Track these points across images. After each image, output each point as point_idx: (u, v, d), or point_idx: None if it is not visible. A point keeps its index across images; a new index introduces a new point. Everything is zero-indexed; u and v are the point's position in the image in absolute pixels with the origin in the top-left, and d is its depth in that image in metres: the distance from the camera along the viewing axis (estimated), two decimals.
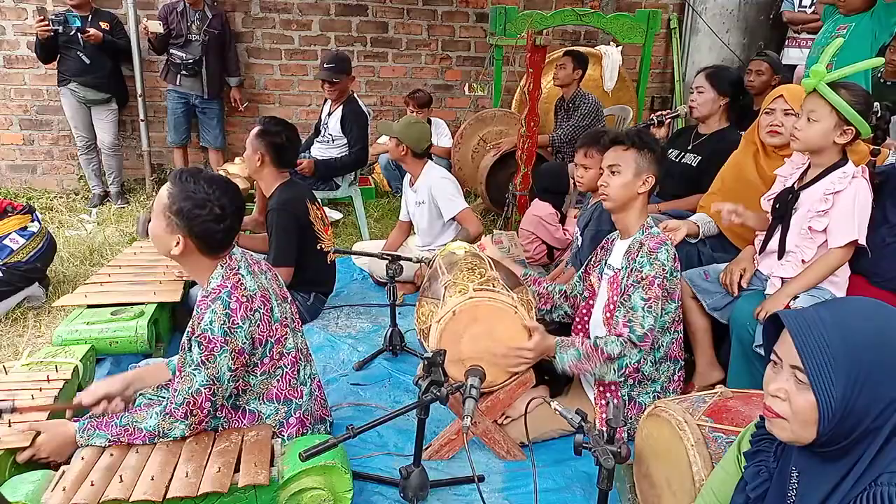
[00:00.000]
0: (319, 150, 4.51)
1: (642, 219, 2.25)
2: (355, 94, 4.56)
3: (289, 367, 2.04)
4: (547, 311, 2.56)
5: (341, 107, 4.36)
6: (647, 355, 2.21)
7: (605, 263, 2.35)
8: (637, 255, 2.16)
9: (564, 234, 3.87)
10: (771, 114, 2.60)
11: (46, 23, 4.56)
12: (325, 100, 4.57)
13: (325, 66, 4.32)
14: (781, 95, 2.58)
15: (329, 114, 4.47)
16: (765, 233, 2.44)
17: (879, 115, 2.23)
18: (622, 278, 2.20)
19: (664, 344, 2.25)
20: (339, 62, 4.32)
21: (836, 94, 2.11)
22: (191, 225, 1.82)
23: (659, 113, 3.35)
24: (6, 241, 3.24)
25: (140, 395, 2.16)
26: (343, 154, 4.39)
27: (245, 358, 1.89)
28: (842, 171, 2.20)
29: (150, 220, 1.92)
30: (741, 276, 2.41)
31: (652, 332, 2.12)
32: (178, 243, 1.85)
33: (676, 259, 2.19)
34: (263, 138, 3.04)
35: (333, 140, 4.44)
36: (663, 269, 2.11)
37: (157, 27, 4.85)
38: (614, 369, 2.14)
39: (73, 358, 2.43)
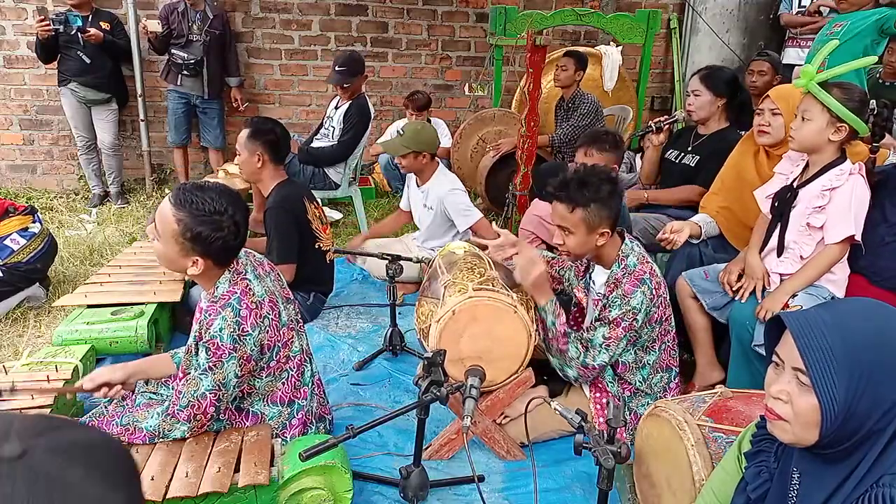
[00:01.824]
0: (319, 144, 4.51)
1: (615, 250, 2.17)
2: (366, 93, 4.55)
3: (294, 370, 2.04)
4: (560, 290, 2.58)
5: (350, 102, 4.37)
6: (632, 374, 2.23)
7: (590, 279, 2.33)
8: (612, 293, 2.11)
9: None
10: (761, 114, 2.62)
11: (47, 23, 4.55)
12: (335, 96, 4.56)
13: (336, 69, 4.22)
14: (769, 96, 2.61)
15: (336, 107, 4.49)
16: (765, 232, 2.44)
17: (876, 112, 2.24)
18: (601, 306, 2.18)
19: (649, 363, 2.23)
20: (351, 63, 4.23)
21: (826, 92, 2.13)
22: (209, 248, 1.79)
23: (657, 120, 3.35)
24: (7, 242, 3.24)
25: (140, 393, 2.16)
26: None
27: (252, 364, 1.88)
28: (839, 169, 2.22)
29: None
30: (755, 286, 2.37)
31: (602, 368, 2.17)
32: (194, 264, 1.81)
33: (660, 287, 2.14)
34: (258, 138, 3.02)
35: (335, 132, 4.44)
36: (633, 314, 2.08)
37: (155, 27, 4.85)
38: (557, 364, 2.21)
39: (73, 358, 2.44)
